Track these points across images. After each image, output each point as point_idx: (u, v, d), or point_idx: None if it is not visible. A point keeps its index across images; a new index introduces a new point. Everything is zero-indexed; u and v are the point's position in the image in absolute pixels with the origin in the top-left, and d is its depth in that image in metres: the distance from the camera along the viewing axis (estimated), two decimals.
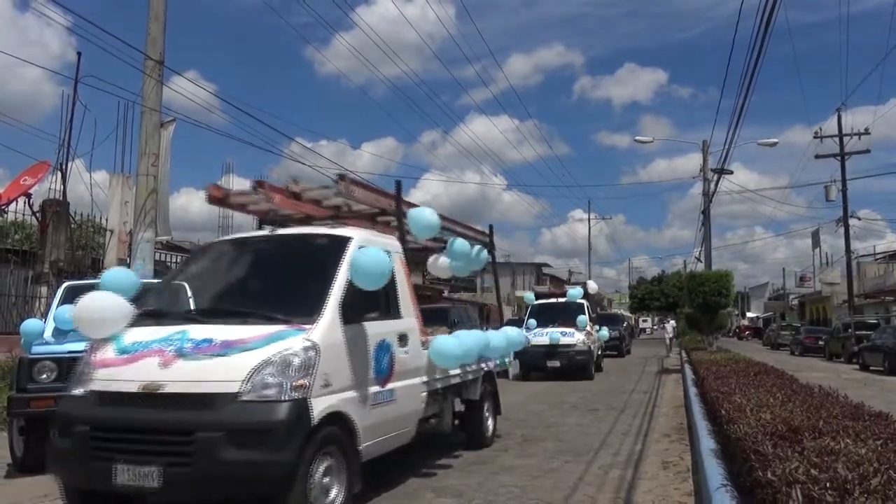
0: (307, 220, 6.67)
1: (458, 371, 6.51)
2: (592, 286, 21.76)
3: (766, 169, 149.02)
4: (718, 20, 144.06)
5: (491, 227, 8.86)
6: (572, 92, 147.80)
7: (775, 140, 25.47)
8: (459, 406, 7.19)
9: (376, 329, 4.97)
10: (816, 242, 46.92)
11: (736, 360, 10.62)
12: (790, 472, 2.71)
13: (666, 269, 71.62)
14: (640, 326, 77.30)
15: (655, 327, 69.82)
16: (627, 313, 69.79)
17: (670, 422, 9.25)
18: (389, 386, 5.12)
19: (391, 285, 5.31)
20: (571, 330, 16.34)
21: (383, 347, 5.06)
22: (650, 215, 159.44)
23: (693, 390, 8.95)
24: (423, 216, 6.17)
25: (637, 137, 26.42)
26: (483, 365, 7.26)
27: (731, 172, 24.67)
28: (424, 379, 5.78)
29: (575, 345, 16.18)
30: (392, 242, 5.95)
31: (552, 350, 16.10)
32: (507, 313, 36.97)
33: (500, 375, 8.36)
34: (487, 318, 34.85)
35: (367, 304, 4.83)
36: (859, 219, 33.41)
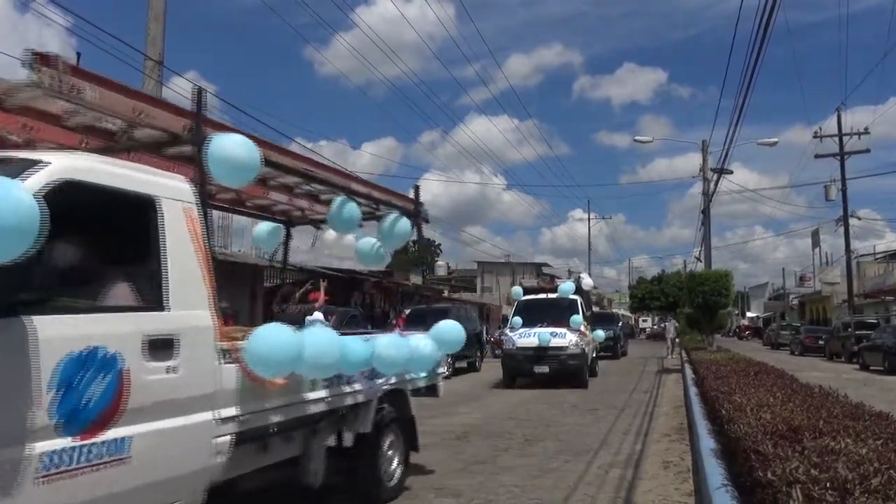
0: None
1: (323, 393, 4.36)
2: (587, 281, 19.09)
3: (765, 168, 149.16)
4: (717, 20, 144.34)
5: (416, 188, 6.41)
6: (572, 92, 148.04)
7: (775, 140, 25.52)
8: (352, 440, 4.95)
9: (71, 329, 2.81)
10: (816, 242, 47.01)
11: (736, 359, 10.61)
12: (790, 471, 2.70)
13: (666, 269, 71.69)
14: (640, 326, 77.31)
15: (655, 327, 69.81)
16: (627, 313, 69.78)
17: (670, 421, 9.25)
18: (110, 434, 2.89)
19: (150, 254, 3.26)
20: (563, 330, 14.34)
21: (90, 363, 2.84)
22: (650, 215, 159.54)
23: (693, 390, 8.95)
24: (226, 147, 3.64)
25: (637, 137, 26.47)
26: (379, 381, 5.03)
27: (731, 172, 24.71)
28: (225, 412, 3.47)
29: (566, 347, 14.10)
30: (162, 183, 3.43)
31: (540, 353, 14.07)
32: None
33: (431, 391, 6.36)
34: (487, 318, 34.90)
35: (45, 282, 2.82)
36: (859, 218, 33.52)
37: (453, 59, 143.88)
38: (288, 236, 6.69)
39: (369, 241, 5.76)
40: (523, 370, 14.37)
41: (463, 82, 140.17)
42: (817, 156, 30.68)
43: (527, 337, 14.41)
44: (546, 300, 16.65)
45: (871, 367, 20.15)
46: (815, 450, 3.09)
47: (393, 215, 5.59)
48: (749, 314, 72.38)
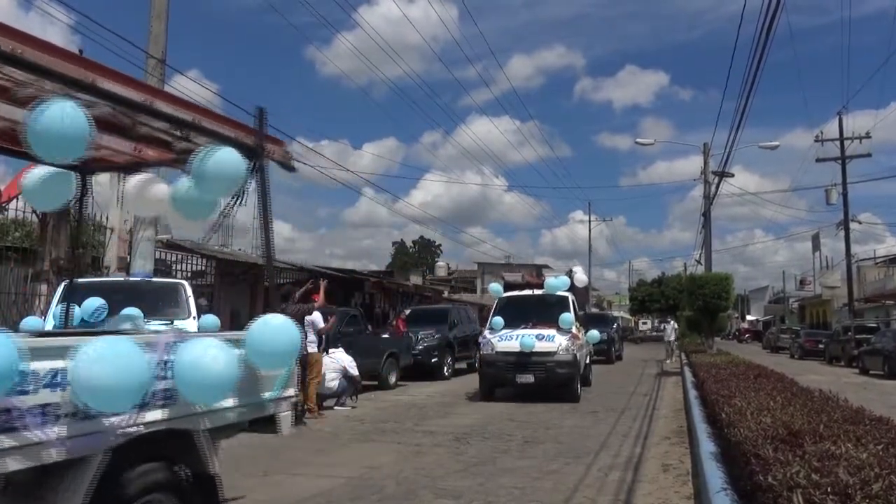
0: None
1: None
2: (580, 276, 16.22)
3: (766, 172, 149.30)
4: (719, 23, 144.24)
5: (260, 112, 4.02)
6: (573, 93, 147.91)
7: (776, 143, 25.44)
8: None
9: None
10: (817, 246, 47.10)
11: (736, 362, 10.63)
12: (791, 476, 2.71)
13: (666, 272, 71.67)
14: (640, 328, 77.36)
15: (654, 331, 69.72)
16: (627, 315, 69.56)
17: (670, 424, 9.25)
18: None
19: None
20: (551, 332, 12.22)
21: None
22: (650, 217, 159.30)
23: (693, 393, 8.95)
24: None
25: (638, 139, 26.55)
26: (110, 421, 2.80)
27: (732, 175, 24.75)
28: None
29: (555, 353, 11.94)
30: None
31: (523, 360, 12.00)
32: None
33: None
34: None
35: None
36: (860, 222, 33.49)
37: (455, 60, 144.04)
38: (84, 188, 4.58)
39: (185, 184, 3.95)
40: (503, 380, 12.36)
41: (465, 83, 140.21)
42: (819, 159, 30.63)
43: (508, 340, 12.32)
44: (532, 297, 14.24)
45: (871, 372, 20.16)
46: (816, 454, 3.09)
47: (202, 150, 3.55)
48: (749, 317, 72.45)
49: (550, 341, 12.11)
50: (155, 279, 9.78)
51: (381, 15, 75.05)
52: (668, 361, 23.96)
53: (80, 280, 8.31)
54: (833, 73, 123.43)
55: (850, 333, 25.66)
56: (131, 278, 9.23)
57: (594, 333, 15.06)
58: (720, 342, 23.55)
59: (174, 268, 17.69)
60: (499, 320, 12.88)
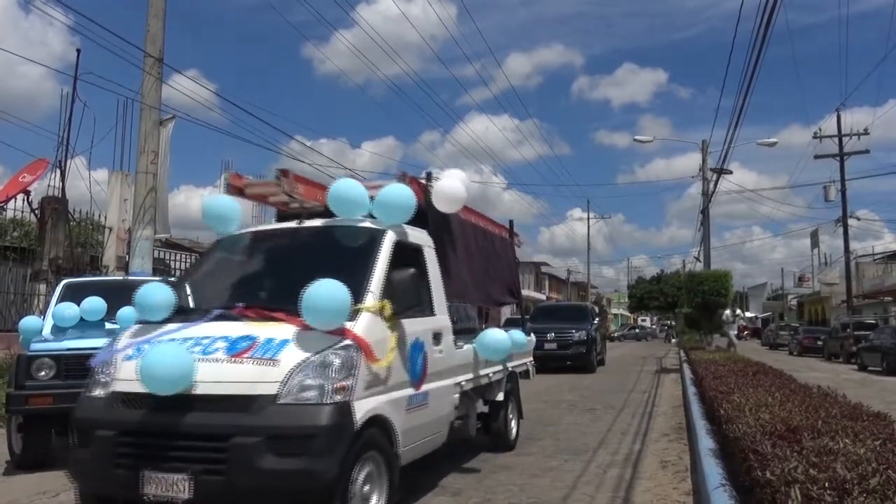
0: None
1: None
2: (451, 182, 5.87)
3: (765, 169, 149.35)
4: (717, 20, 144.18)
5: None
6: (571, 91, 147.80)
7: (774, 140, 25.51)
8: None
9: None
10: (815, 243, 47.16)
11: (734, 359, 10.67)
12: (789, 471, 2.71)
13: (665, 269, 71.66)
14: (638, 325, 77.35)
15: (654, 326, 69.62)
16: (626, 312, 69.54)
17: (669, 421, 9.25)
18: None
19: None
20: (278, 333, 3.66)
21: None
22: (649, 215, 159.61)
23: (692, 390, 8.98)
24: None
25: (637, 137, 26.48)
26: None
27: (731, 172, 24.72)
28: None
29: (271, 396, 3.39)
30: None
31: (166, 424, 3.41)
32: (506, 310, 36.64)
33: None
34: (486, 317, 34.79)
35: None
36: (858, 219, 33.52)
37: (453, 59, 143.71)
38: None
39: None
40: (118, 485, 3.50)
41: (463, 81, 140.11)
42: (817, 156, 30.69)
43: (130, 358, 3.75)
44: (285, 233, 5.11)
45: (870, 368, 20.19)
46: (814, 450, 3.10)
47: None
48: (747, 314, 72.54)
49: (265, 361, 3.56)
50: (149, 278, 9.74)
51: (380, 13, 75.00)
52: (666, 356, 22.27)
53: (79, 279, 8.31)
54: (831, 70, 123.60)
55: (848, 330, 25.68)
56: (130, 277, 9.21)
57: (495, 337, 6.04)
58: (718, 339, 23.48)
59: (173, 266, 17.67)
60: (157, 298, 4.25)
